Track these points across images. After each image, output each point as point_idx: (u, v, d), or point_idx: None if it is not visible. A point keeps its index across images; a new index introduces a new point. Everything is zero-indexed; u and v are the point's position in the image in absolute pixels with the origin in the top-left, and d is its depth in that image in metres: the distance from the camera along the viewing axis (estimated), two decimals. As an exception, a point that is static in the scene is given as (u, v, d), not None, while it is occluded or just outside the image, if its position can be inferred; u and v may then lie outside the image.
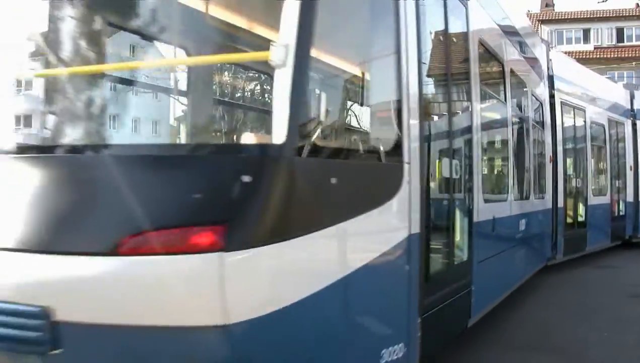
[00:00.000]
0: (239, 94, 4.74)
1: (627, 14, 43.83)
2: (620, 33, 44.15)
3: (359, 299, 3.37)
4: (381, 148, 3.62)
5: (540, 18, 46.65)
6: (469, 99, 5.47)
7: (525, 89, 8.33)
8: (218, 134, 4.84)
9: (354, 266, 3.30)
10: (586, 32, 44.76)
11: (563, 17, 46.95)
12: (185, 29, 4.50)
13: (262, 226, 2.74)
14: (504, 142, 7.10)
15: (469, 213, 5.32)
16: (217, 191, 2.77)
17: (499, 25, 6.76)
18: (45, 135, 3.81)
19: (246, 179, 2.72)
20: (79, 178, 3.00)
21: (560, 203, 10.56)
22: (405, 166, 3.74)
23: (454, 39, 5.27)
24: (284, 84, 2.87)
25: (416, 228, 3.85)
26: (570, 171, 11.51)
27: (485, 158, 6.37)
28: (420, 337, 3.96)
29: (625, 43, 43.76)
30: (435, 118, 4.93)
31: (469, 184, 5.34)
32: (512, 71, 7.20)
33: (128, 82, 4.33)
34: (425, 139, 4.21)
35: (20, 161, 3.23)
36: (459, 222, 5.22)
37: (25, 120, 4.01)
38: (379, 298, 3.60)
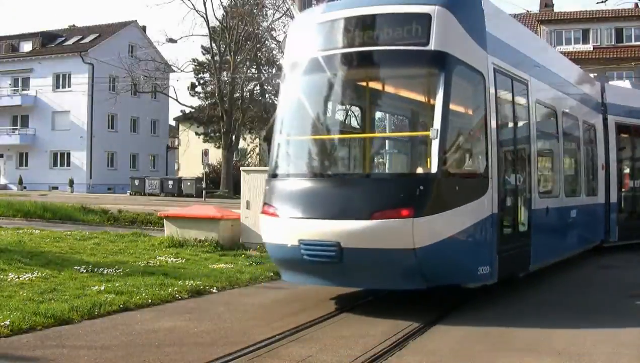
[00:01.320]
0: (417, 147, 8.80)
1: (627, 15, 43.81)
2: (619, 33, 44.16)
3: (470, 239, 7.41)
4: (478, 171, 7.76)
5: (540, 18, 46.65)
6: (529, 136, 9.18)
7: (576, 119, 11.82)
8: (410, 166, 9.09)
9: (469, 223, 7.31)
10: (585, 33, 44.76)
11: (562, 18, 46.95)
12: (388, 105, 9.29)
13: (428, 207, 6.87)
14: (555, 160, 10.73)
15: (528, 203, 8.91)
16: (411, 193, 6.96)
17: (554, 85, 10.57)
18: (337, 169, 8.41)
19: (422, 187, 6.99)
20: (353, 187, 7.61)
21: (614, 200, 13.53)
22: (490, 180, 7.59)
23: (519, 103, 8.96)
24: (437, 148, 7.00)
25: (495, 210, 7.64)
26: (622, 175, 14.58)
27: (540, 172, 9.83)
28: (497, 266, 7.63)
29: (625, 43, 43.77)
30: (507, 152, 8.44)
31: (528, 187, 8.99)
32: (564, 113, 10.97)
33: (370, 141, 8.89)
34: (500, 165, 7.93)
35: (329, 179, 7.84)
36: (521, 208, 8.77)
37: (331, 161, 8.43)
38: (478, 241, 7.52)
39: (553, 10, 51.13)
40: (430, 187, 7.02)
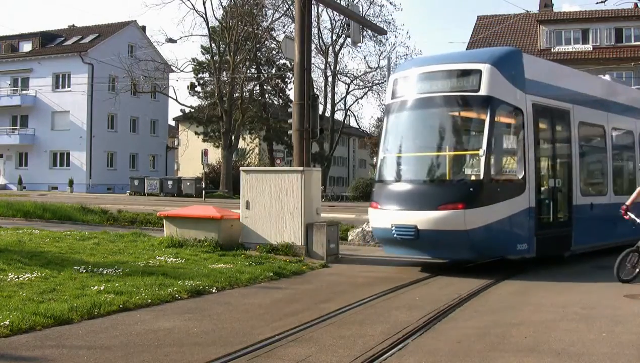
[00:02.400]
0: (470, 161, 11.25)
1: (626, 14, 43.80)
2: (619, 33, 44.14)
3: (509, 224, 10.51)
4: (516, 177, 10.75)
5: (539, 18, 46.64)
6: (570, 149, 12.09)
7: (626, 131, 14.24)
8: (465, 174, 11.21)
9: (508, 213, 10.45)
10: (585, 33, 44.74)
11: (562, 18, 46.95)
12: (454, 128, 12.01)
13: (475, 202, 10.19)
14: (601, 166, 13.45)
15: (569, 200, 11.83)
16: (464, 193, 10.43)
17: (600, 107, 13.09)
18: (416, 176, 11.36)
19: (472, 189, 10.47)
20: (426, 188, 10.96)
21: None
22: (527, 183, 10.67)
23: (559, 126, 12.08)
24: (483, 162, 10.36)
25: (532, 205, 10.75)
26: None
27: (582, 176, 12.57)
28: (535, 245, 10.75)
29: (624, 43, 43.75)
30: (544, 162, 11.65)
31: (568, 188, 11.87)
32: (614, 128, 13.56)
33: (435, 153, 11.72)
34: (537, 173, 11.06)
35: (411, 183, 11.24)
36: (561, 203, 11.82)
37: (413, 170, 11.62)
38: (516, 226, 10.59)
39: (552, 10, 51.16)
40: (478, 189, 10.43)
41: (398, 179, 11.48)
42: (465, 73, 11.03)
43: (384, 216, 10.93)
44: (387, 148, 11.83)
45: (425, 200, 10.56)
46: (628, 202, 9.99)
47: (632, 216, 9.93)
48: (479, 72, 10.65)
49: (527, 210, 10.65)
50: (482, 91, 10.57)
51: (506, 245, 10.62)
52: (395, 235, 10.61)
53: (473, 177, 10.70)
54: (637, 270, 9.77)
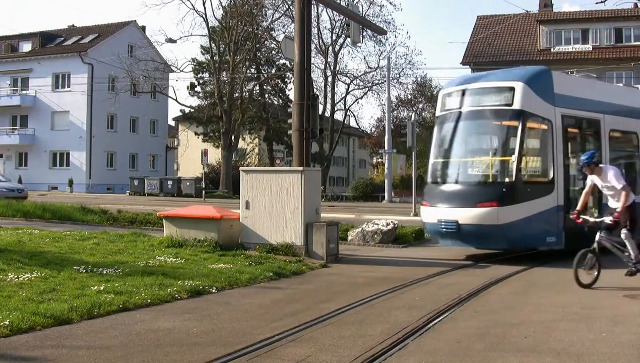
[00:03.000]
0: (504, 165, 12.80)
1: (626, 14, 43.79)
2: (618, 33, 44.13)
3: (539, 219, 12.18)
4: (547, 178, 12.55)
5: (539, 18, 46.63)
6: (600, 154, 12.90)
7: None
8: (499, 177, 12.62)
9: (538, 210, 12.16)
10: (585, 33, 44.73)
11: (562, 18, 46.94)
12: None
13: (507, 201, 11.98)
14: (632, 167, 14.94)
15: (599, 199, 12.07)
16: (498, 192, 12.17)
17: (632, 114, 14.48)
18: (458, 179, 13.24)
19: (504, 189, 12.18)
20: (467, 189, 12.82)
21: None
22: (555, 184, 12.42)
23: (589, 134, 13.85)
24: (514, 166, 12.19)
25: (561, 203, 12.40)
26: None
27: None
28: (563, 238, 12.35)
29: (624, 43, 43.74)
30: (572, 166, 12.90)
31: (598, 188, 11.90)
32: None
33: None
34: (565, 175, 12.67)
35: (454, 184, 13.14)
36: (591, 201, 12.14)
37: (455, 173, 13.44)
38: (545, 221, 12.26)
39: (552, 10, 51.14)
40: (510, 189, 12.14)
41: (443, 181, 13.36)
42: (501, 90, 12.84)
43: (433, 213, 12.89)
44: (436, 154, 13.78)
45: (466, 199, 12.45)
46: (578, 207, 9.81)
47: (585, 217, 9.77)
48: (513, 89, 12.42)
49: (555, 207, 12.27)
50: (515, 105, 12.38)
51: (536, 237, 12.36)
52: (442, 229, 12.55)
53: (506, 179, 12.33)
54: (596, 274, 9.30)
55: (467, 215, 12.13)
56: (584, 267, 9.20)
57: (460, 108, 13.23)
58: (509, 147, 12.68)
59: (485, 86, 13.18)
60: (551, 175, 12.38)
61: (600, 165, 9.94)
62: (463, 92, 13.33)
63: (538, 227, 12.15)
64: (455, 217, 12.21)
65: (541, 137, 12.88)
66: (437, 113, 14.20)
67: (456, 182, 13.11)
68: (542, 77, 12.76)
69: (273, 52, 50.02)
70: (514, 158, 12.14)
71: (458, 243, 12.88)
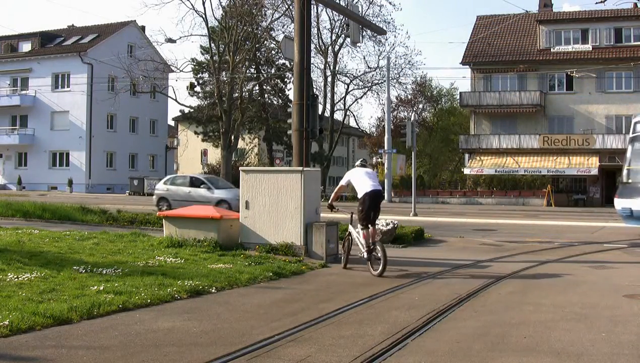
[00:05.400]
0: None
1: (626, 14, 43.81)
2: (618, 33, 44.15)
3: None
4: (622, 178, 19.56)
5: (539, 18, 46.65)
6: None
7: None
8: (623, 179, 19.57)
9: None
10: (584, 33, 44.75)
11: (561, 18, 46.96)
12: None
13: (621, 195, 18.79)
14: None
15: None
16: (622, 189, 19.08)
17: None
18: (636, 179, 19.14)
19: (620, 187, 19.57)
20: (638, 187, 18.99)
21: None
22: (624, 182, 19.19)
23: None
24: (625, 172, 19.61)
25: None
26: None
27: None
28: None
29: (624, 43, 43.76)
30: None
31: None
32: None
33: None
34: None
35: (633, 183, 18.54)
36: None
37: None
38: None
39: (552, 10, 51.15)
40: (622, 187, 18.27)
41: (628, 181, 18.50)
42: None
43: (622, 203, 18.12)
44: (629, 163, 18.73)
45: (637, 193, 17.54)
46: (330, 200, 11.53)
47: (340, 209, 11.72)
48: None
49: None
50: None
51: None
52: (624, 214, 18.12)
53: (623, 181, 18.04)
54: (346, 256, 11.06)
55: (636, 203, 17.39)
56: (343, 252, 11.02)
57: None
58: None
59: None
60: (626, 174, 18.55)
61: None
62: None
63: None
64: (629, 205, 17.61)
65: None
66: (630, 135, 19.67)
67: (635, 182, 18.32)
68: None
69: (272, 52, 50.07)
70: (625, 164, 18.60)
71: (636, 222, 17.91)
